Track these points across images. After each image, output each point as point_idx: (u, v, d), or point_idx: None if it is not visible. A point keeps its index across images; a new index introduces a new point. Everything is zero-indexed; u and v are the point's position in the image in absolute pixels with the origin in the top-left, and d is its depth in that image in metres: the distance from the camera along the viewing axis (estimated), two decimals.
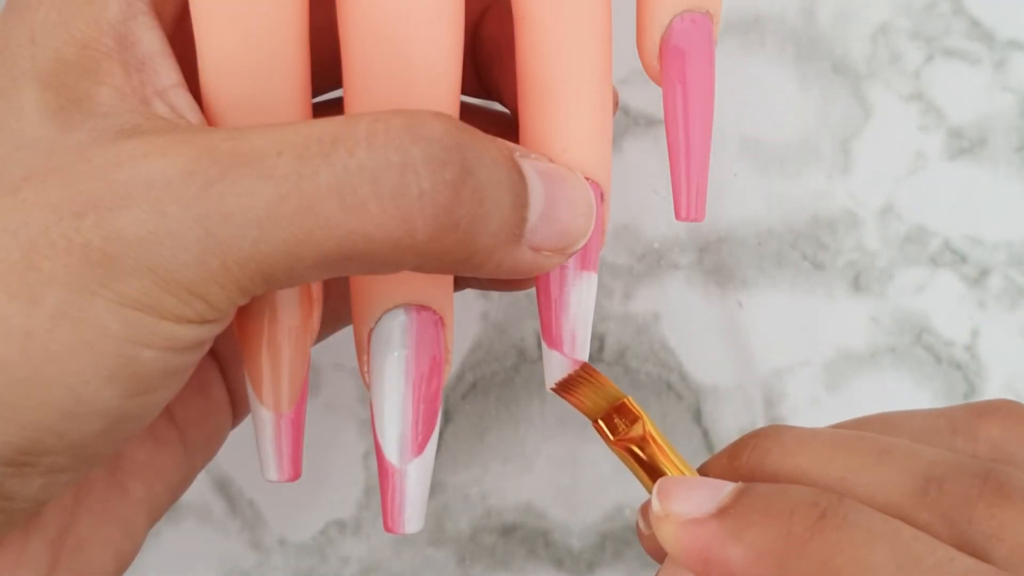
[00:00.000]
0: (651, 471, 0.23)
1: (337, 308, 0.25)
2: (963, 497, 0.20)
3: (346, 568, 0.34)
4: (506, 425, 0.34)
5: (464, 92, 0.24)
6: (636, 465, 0.23)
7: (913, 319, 0.33)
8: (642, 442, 0.23)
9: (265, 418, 0.22)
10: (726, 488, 0.21)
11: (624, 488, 0.34)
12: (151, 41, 0.21)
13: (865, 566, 0.19)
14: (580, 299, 0.24)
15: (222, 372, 0.27)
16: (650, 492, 0.22)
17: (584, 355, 0.24)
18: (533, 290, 0.24)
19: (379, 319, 0.22)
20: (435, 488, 0.33)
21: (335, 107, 0.26)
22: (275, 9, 0.22)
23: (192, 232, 0.18)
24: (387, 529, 0.23)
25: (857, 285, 0.34)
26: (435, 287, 0.23)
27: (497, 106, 0.28)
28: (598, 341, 0.34)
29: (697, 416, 0.34)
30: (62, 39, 0.20)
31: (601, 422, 0.23)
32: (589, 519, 0.34)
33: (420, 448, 0.22)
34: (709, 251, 0.34)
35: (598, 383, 0.24)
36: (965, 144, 0.33)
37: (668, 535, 0.21)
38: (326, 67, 0.24)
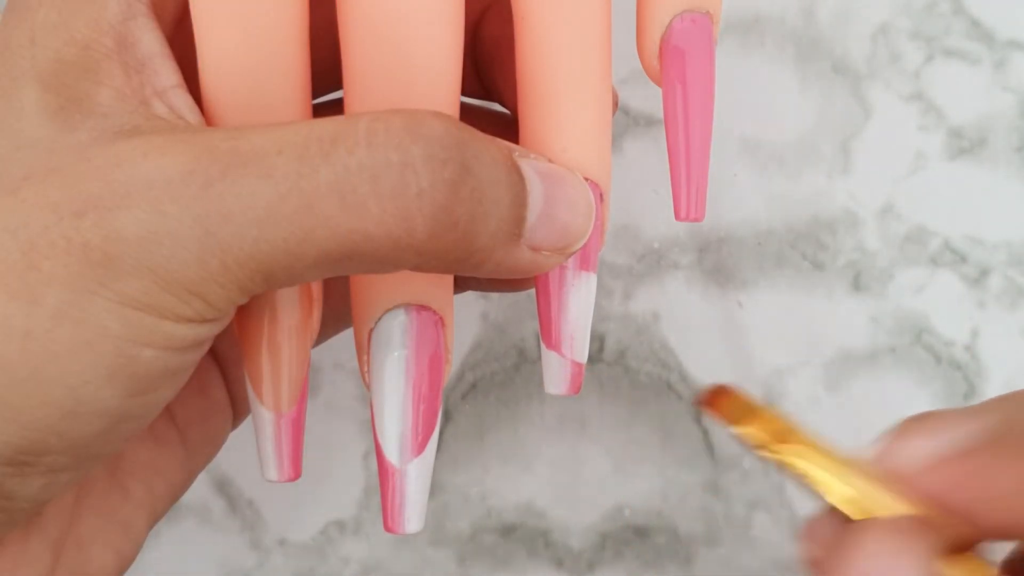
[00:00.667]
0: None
1: (338, 309, 0.25)
2: None
3: (346, 568, 0.34)
4: (506, 425, 0.34)
5: (464, 92, 0.24)
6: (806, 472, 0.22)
7: (913, 319, 0.33)
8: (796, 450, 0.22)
9: (265, 418, 0.22)
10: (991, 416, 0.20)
11: (624, 488, 0.34)
12: (151, 42, 0.21)
13: None
14: (579, 300, 0.24)
15: (222, 373, 0.27)
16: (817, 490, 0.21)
17: (583, 357, 0.24)
18: (533, 291, 0.24)
19: (379, 319, 0.22)
20: (435, 488, 0.33)
21: (335, 107, 0.26)
22: (275, 9, 0.22)
23: (192, 231, 0.18)
24: (387, 529, 0.23)
25: (857, 285, 0.34)
26: (435, 287, 0.23)
27: (497, 106, 0.28)
28: (598, 341, 0.34)
29: (697, 416, 0.34)
30: (62, 39, 0.20)
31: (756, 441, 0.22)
32: (589, 519, 0.34)
33: (420, 448, 0.22)
34: (709, 251, 0.34)
35: (740, 401, 0.23)
36: (965, 144, 0.33)
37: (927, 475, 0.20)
38: (326, 67, 0.24)
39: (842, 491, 0.21)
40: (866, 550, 0.20)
